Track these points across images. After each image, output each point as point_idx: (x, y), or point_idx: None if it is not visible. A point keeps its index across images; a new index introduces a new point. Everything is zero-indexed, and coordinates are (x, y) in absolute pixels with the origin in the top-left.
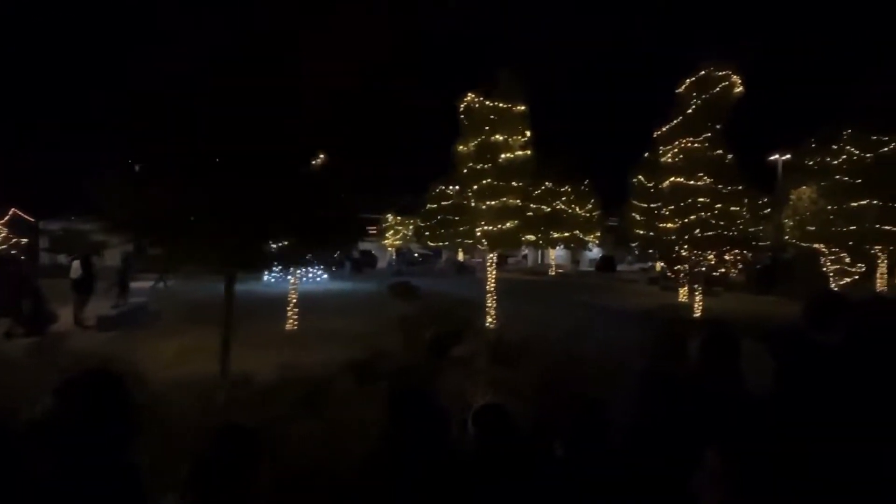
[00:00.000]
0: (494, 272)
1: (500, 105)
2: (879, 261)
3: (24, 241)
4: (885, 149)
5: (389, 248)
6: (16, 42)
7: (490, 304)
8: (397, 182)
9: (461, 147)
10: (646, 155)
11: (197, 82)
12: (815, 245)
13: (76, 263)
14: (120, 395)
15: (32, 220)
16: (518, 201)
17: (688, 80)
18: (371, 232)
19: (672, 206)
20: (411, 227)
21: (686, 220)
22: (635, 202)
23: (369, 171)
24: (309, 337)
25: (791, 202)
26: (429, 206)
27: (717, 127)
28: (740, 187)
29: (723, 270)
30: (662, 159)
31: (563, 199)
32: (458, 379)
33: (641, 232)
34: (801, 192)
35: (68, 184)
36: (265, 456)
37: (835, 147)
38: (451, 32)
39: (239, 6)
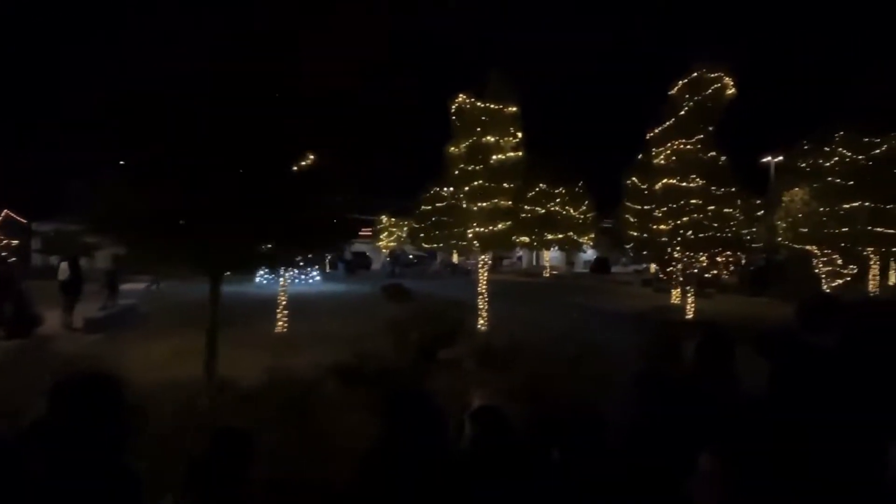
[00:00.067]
0: (487, 274)
1: (492, 106)
2: (871, 262)
3: (16, 242)
4: (877, 151)
5: (384, 250)
6: (10, 41)
7: (482, 306)
8: (392, 182)
9: (453, 148)
10: (639, 157)
11: (195, 82)
12: (808, 247)
13: (64, 265)
14: (114, 396)
15: (25, 221)
16: (510, 203)
17: (680, 82)
18: (365, 234)
19: (665, 208)
20: (406, 228)
21: (679, 222)
22: (629, 204)
23: (364, 172)
24: (298, 339)
25: (783, 204)
26: (423, 207)
27: (710, 129)
28: (733, 189)
29: (715, 272)
30: (655, 161)
31: (558, 200)
32: (445, 381)
33: (635, 234)
34: (793, 193)
35: (62, 185)
36: (258, 457)
37: (827, 149)
38: (444, 32)
39: (238, 6)
